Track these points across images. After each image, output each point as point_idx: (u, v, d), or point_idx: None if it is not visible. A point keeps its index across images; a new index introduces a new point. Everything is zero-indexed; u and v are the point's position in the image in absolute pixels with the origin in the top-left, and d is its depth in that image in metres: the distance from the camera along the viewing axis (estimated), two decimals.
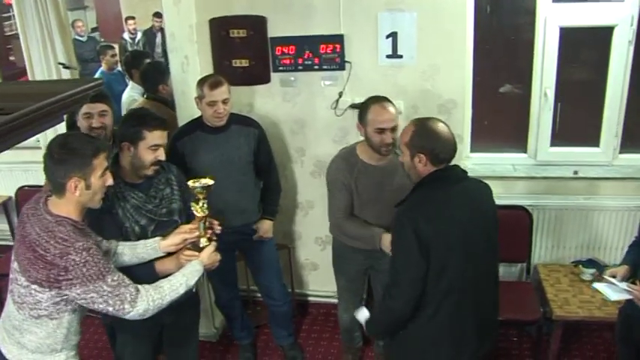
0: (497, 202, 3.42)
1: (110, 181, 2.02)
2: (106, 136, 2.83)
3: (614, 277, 2.44)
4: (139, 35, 7.69)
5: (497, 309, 2.36)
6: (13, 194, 4.38)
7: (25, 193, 4.10)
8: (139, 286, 2.00)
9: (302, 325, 3.82)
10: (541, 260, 3.51)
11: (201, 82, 2.87)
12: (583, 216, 3.42)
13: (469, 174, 3.41)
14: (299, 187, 3.69)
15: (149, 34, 7.67)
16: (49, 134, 4.20)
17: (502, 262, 3.51)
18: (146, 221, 2.36)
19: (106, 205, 2.23)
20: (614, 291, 2.42)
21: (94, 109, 2.76)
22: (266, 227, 3.15)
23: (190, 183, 2.23)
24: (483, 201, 2.25)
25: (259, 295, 3.65)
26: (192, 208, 2.23)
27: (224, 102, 2.86)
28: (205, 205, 2.20)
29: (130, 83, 4.31)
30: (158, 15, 7.55)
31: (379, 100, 2.70)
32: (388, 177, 2.77)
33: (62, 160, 1.89)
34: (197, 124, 2.98)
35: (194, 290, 2.62)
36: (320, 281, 3.78)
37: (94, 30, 9.33)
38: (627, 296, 2.35)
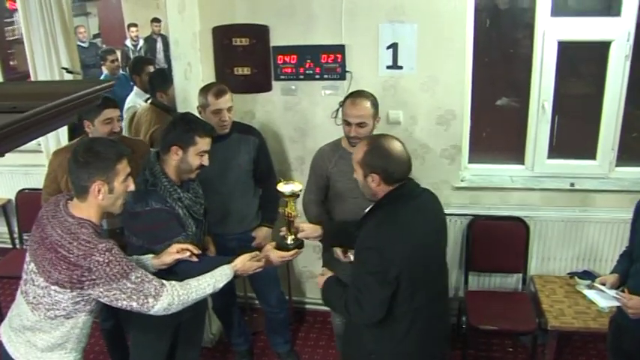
0: (495, 212, 3.51)
1: (132, 187, 2.05)
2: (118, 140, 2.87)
3: (603, 284, 2.46)
4: (141, 42, 7.73)
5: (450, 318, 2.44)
6: (12, 197, 4.41)
7: (25, 196, 4.12)
8: (164, 281, 2.04)
9: (299, 332, 3.83)
10: (537, 271, 3.53)
11: (205, 91, 2.91)
12: (579, 228, 3.44)
13: (467, 185, 3.50)
14: None
15: (150, 41, 7.72)
16: (51, 139, 4.25)
17: (499, 272, 3.56)
18: (193, 220, 2.45)
19: (169, 206, 2.35)
20: (604, 298, 2.43)
21: (113, 114, 2.81)
22: (264, 234, 3.17)
23: (279, 187, 2.36)
24: (436, 213, 2.27)
25: (257, 301, 3.66)
26: (281, 211, 2.40)
27: (228, 110, 2.91)
28: (294, 207, 2.35)
29: (135, 89, 4.34)
30: (156, 20, 7.63)
31: (354, 94, 2.82)
32: None
33: (86, 163, 1.93)
34: None
35: None
36: (317, 289, 3.76)
37: (95, 36, 9.37)
38: (616, 303, 2.36)
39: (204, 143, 2.40)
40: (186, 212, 2.42)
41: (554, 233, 3.47)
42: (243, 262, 2.29)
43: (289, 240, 2.43)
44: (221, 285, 2.18)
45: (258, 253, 2.37)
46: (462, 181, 3.50)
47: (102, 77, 5.39)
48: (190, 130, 2.38)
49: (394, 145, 2.13)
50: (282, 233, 2.44)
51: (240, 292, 3.77)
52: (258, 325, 3.83)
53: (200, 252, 2.37)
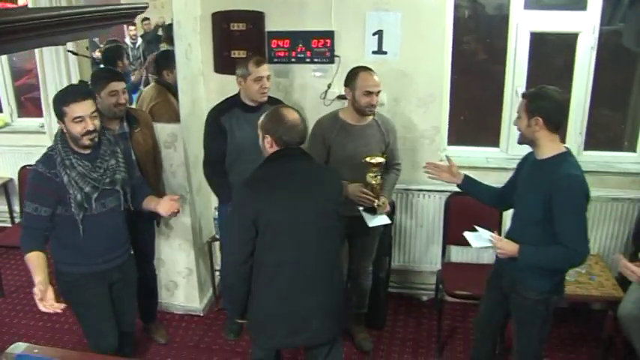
0: None
1: None
2: (125, 111, 3.11)
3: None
4: (140, 41, 7.95)
5: (336, 296, 2.48)
6: (13, 176, 4.61)
7: (27, 173, 4.29)
8: None
9: None
10: None
11: (245, 61, 3.15)
12: None
13: (446, 164, 3.72)
14: None
15: (147, 36, 7.95)
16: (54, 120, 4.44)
17: None
18: (90, 189, 2.53)
19: (52, 173, 2.47)
20: (477, 240, 2.65)
21: (118, 87, 3.01)
22: None
23: (368, 159, 2.96)
24: (323, 186, 2.42)
25: None
26: (367, 178, 2.98)
27: (267, 78, 3.16)
28: (377, 176, 2.99)
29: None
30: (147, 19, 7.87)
31: (366, 68, 3.10)
32: (364, 137, 3.15)
33: None
34: (235, 101, 3.26)
35: (132, 252, 2.94)
36: None
37: (92, 42, 9.54)
38: (488, 244, 2.58)
39: (73, 110, 2.44)
40: (76, 180, 2.49)
41: None
42: None
43: (375, 204, 3.00)
44: None
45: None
46: (441, 160, 3.74)
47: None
48: (57, 103, 2.48)
49: (290, 114, 2.37)
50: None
51: None
52: None
53: None
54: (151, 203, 2.87)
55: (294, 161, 2.37)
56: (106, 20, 1.19)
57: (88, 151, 2.55)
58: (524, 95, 2.50)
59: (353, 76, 3.08)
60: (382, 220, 3.17)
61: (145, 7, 1.17)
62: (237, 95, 3.27)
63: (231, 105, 3.27)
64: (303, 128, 2.38)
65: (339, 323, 2.56)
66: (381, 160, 3.00)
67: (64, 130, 2.51)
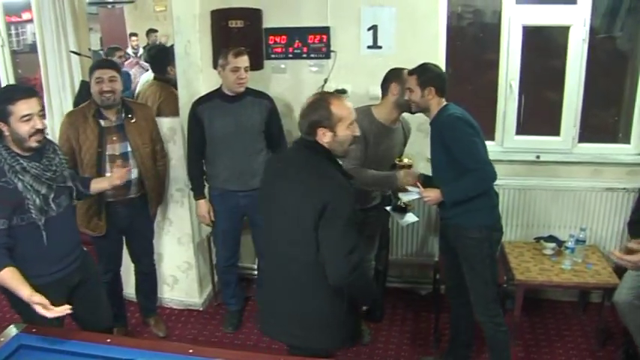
0: None
1: None
2: (115, 100, 3.10)
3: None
4: (141, 50, 8.08)
5: (296, 303, 2.26)
6: None
7: None
8: None
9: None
10: (505, 238, 3.76)
11: (225, 52, 3.22)
12: (544, 196, 3.74)
13: None
14: None
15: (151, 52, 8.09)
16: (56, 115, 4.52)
17: None
18: (46, 189, 2.38)
19: (4, 181, 2.28)
20: (409, 195, 3.01)
21: (105, 74, 3.04)
22: None
23: (398, 162, 3.13)
24: (304, 177, 2.19)
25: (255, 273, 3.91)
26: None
27: (245, 69, 3.21)
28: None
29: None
30: (153, 30, 8.03)
31: (398, 69, 3.13)
32: (393, 138, 3.21)
33: None
34: (217, 93, 3.34)
35: (84, 249, 2.71)
36: None
37: (95, 52, 9.69)
38: (416, 196, 2.95)
39: (20, 109, 2.28)
40: (31, 184, 2.33)
41: (522, 202, 3.76)
42: None
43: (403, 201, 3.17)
44: None
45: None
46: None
47: None
48: (1, 102, 2.30)
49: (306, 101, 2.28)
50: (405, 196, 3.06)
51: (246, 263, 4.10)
52: (253, 291, 4.03)
53: None
54: (102, 183, 2.86)
55: (292, 154, 2.39)
56: None
57: (31, 153, 2.38)
58: (411, 72, 2.85)
59: (391, 79, 3.11)
60: (412, 217, 3.29)
61: None
62: (220, 87, 3.34)
63: (211, 96, 3.35)
64: (301, 116, 2.24)
65: (315, 337, 2.27)
66: (410, 162, 3.19)
67: (6, 133, 2.33)
